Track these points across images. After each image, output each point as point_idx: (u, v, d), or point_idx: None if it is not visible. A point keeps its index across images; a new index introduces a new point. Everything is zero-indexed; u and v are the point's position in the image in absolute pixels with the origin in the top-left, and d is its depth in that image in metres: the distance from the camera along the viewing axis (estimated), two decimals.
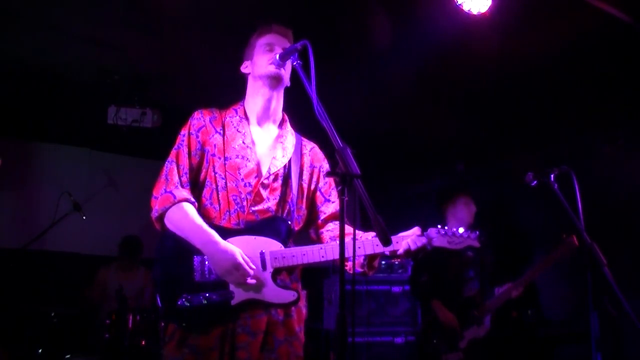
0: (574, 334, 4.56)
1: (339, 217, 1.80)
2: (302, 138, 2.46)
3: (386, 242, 1.84)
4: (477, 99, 4.80)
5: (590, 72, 4.17)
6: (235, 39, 4.12)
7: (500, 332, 4.20)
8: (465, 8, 3.34)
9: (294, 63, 2.12)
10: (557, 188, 3.07)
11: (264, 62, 2.28)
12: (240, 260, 2.05)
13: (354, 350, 4.17)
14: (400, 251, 2.15)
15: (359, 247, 2.14)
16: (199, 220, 2.10)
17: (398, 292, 4.87)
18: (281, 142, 2.35)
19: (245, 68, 2.40)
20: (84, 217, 5.17)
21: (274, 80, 2.29)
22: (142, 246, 5.39)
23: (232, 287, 2.08)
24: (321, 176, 2.41)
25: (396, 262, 4.92)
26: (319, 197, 2.40)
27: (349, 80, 4.56)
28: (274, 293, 2.10)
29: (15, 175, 5.70)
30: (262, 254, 2.12)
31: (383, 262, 4.83)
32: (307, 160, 2.40)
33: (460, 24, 3.56)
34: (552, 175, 2.97)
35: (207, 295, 2.05)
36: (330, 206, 2.39)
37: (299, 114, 2.48)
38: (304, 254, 2.13)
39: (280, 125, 2.41)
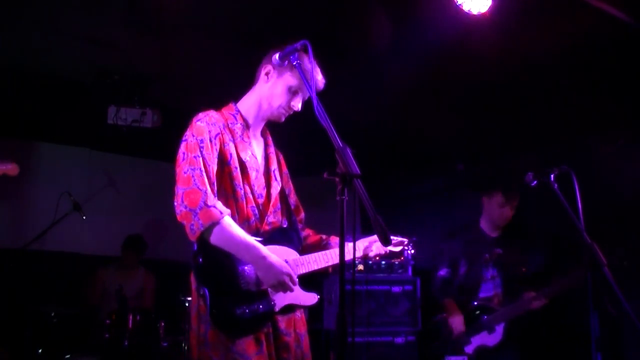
0: (573, 333, 4.56)
1: (339, 217, 1.81)
2: (274, 146, 2.56)
3: (386, 241, 1.86)
4: (477, 98, 4.80)
5: (590, 72, 4.17)
6: (235, 39, 4.14)
7: (515, 345, 3.94)
8: (465, 8, 3.34)
9: (294, 63, 2.12)
10: (557, 188, 3.07)
11: (282, 101, 2.32)
12: (292, 271, 2.18)
13: (354, 350, 4.17)
14: (372, 255, 2.51)
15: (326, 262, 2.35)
16: (244, 234, 2.16)
17: (398, 292, 4.86)
18: (271, 152, 2.44)
19: (266, 74, 2.34)
20: (84, 217, 5.17)
21: (274, 120, 2.40)
22: (147, 246, 5.42)
23: (272, 295, 2.20)
24: (288, 181, 2.56)
25: (396, 262, 4.91)
26: (289, 202, 2.54)
27: (349, 80, 4.55)
28: (304, 296, 2.29)
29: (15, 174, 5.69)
30: (286, 262, 2.22)
31: (383, 262, 4.85)
32: (283, 166, 2.54)
33: (460, 24, 3.55)
34: (552, 175, 2.97)
35: (258, 305, 2.16)
36: (297, 209, 2.57)
37: (298, 114, 2.48)
38: (315, 261, 2.33)
39: (264, 134, 2.48)
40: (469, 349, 3.94)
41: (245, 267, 2.16)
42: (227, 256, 2.13)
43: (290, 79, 2.29)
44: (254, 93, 2.38)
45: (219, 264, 2.13)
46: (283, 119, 2.38)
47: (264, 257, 2.12)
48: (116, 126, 4.84)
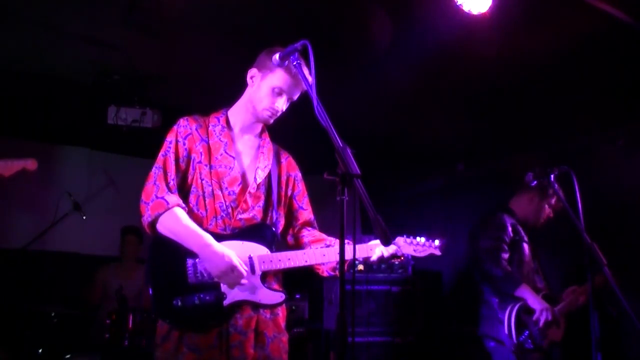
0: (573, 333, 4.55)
1: (339, 215, 1.81)
2: (279, 147, 2.58)
3: (386, 242, 1.86)
4: (477, 98, 4.80)
5: (590, 72, 4.17)
6: (235, 39, 4.14)
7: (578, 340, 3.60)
8: (465, 8, 3.34)
9: (294, 63, 2.13)
10: (557, 188, 3.07)
11: (266, 103, 2.35)
12: (236, 262, 2.15)
13: (354, 350, 4.17)
14: (374, 258, 2.38)
15: (324, 255, 2.32)
16: (192, 224, 2.20)
17: (398, 292, 4.86)
18: (262, 153, 2.44)
19: (251, 78, 2.41)
20: (84, 217, 5.17)
21: (263, 122, 2.43)
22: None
23: (224, 289, 2.19)
24: (296, 184, 2.56)
25: (396, 262, 4.90)
26: (293, 204, 2.55)
27: (349, 80, 4.55)
28: (264, 294, 2.25)
29: (15, 175, 5.69)
30: (250, 258, 2.24)
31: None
32: (284, 168, 2.53)
33: (460, 24, 3.56)
34: (552, 175, 2.97)
35: (201, 295, 2.16)
36: (304, 213, 2.56)
37: (298, 114, 2.48)
38: (289, 259, 2.29)
39: (260, 134, 2.50)
40: (545, 343, 3.56)
41: (196, 260, 2.19)
42: (179, 249, 2.17)
43: (273, 79, 2.33)
44: (243, 98, 2.46)
45: (168, 256, 2.19)
46: (271, 121, 2.41)
47: (206, 245, 2.13)
48: (116, 126, 4.84)
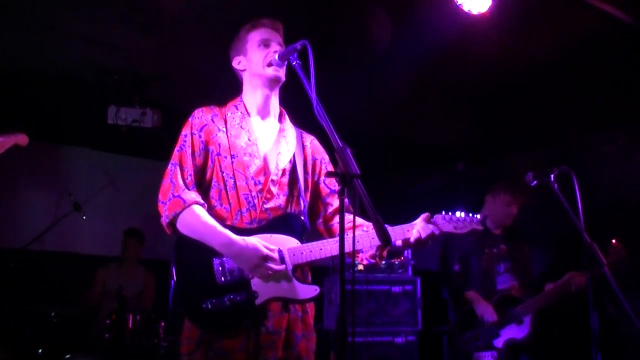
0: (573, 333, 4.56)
1: (339, 215, 1.80)
2: (302, 131, 2.45)
3: (386, 242, 1.84)
4: (477, 98, 4.80)
5: (591, 72, 4.17)
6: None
7: (547, 337, 3.89)
8: (465, 8, 3.34)
9: (294, 63, 2.11)
10: (557, 188, 3.07)
11: (262, 61, 2.27)
12: (265, 251, 2.05)
13: (354, 350, 4.17)
14: (412, 240, 2.19)
15: (372, 238, 2.15)
16: (212, 222, 2.08)
17: (398, 292, 4.86)
18: (284, 137, 2.34)
19: (238, 64, 2.36)
20: (84, 217, 5.17)
21: (274, 82, 2.31)
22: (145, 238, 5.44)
23: (255, 287, 2.07)
24: (323, 168, 2.41)
25: (396, 262, 4.91)
26: (323, 189, 2.41)
27: (348, 80, 4.55)
28: (297, 289, 2.10)
29: (15, 175, 5.70)
30: (280, 251, 2.11)
31: (383, 262, 4.83)
32: (309, 152, 2.41)
33: (460, 24, 3.56)
34: (552, 175, 2.97)
35: (232, 297, 2.04)
36: (336, 198, 2.38)
37: (298, 114, 2.48)
38: (321, 249, 2.13)
39: (280, 119, 2.40)
40: (498, 343, 3.82)
41: (223, 259, 2.08)
42: (204, 249, 2.06)
43: (253, 40, 2.30)
44: (246, 82, 2.38)
45: (194, 256, 2.08)
46: (283, 77, 2.28)
47: (230, 243, 2.04)
48: (116, 126, 4.84)
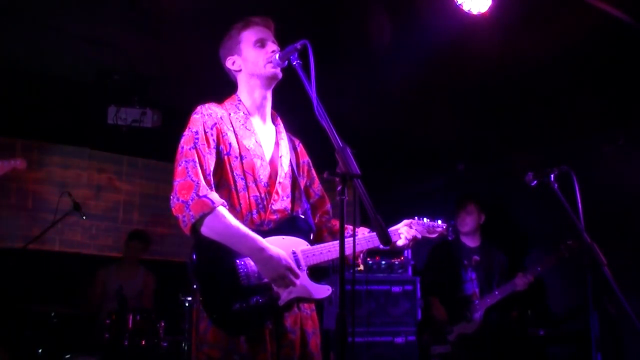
0: (573, 333, 4.56)
1: (339, 215, 1.81)
2: (288, 133, 2.48)
3: (386, 241, 1.85)
4: (477, 98, 4.79)
5: (591, 72, 4.17)
6: None
7: (489, 329, 4.45)
8: (465, 8, 3.34)
9: (294, 63, 2.11)
10: (557, 188, 3.07)
11: (260, 61, 2.26)
12: (293, 264, 2.07)
13: (354, 350, 4.17)
14: (399, 244, 2.40)
15: (359, 244, 2.29)
16: (241, 225, 2.06)
17: (398, 292, 4.85)
18: (282, 139, 2.37)
19: (232, 64, 2.34)
20: (84, 217, 5.17)
21: (272, 81, 2.32)
22: (150, 240, 5.44)
23: (277, 288, 2.09)
24: (310, 171, 2.49)
25: (396, 262, 4.91)
26: (311, 192, 2.48)
27: (349, 80, 4.55)
28: (314, 289, 2.16)
29: (15, 175, 5.69)
30: (294, 253, 2.15)
31: (383, 262, 4.85)
32: (300, 155, 2.46)
33: (460, 24, 3.56)
34: (552, 175, 2.97)
35: (257, 298, 2.05)
36: (322, 200, 2.49)
37: (297, 114, 2.48)
38: (329, 250, 2.21)
39: (274, 121, 2.42)
40: (451, 337, 4.45)
41: (245, 260, 2.06)
42: (224, 250, 2.03)
43: (247, 40, 2.30)
44: (242, 81, 2.35)
45: (216, 258, 2.05)
46: (280, 73, 2.27)
47: (261, 249, 2.02)
48: (116, 126, 4.84)
